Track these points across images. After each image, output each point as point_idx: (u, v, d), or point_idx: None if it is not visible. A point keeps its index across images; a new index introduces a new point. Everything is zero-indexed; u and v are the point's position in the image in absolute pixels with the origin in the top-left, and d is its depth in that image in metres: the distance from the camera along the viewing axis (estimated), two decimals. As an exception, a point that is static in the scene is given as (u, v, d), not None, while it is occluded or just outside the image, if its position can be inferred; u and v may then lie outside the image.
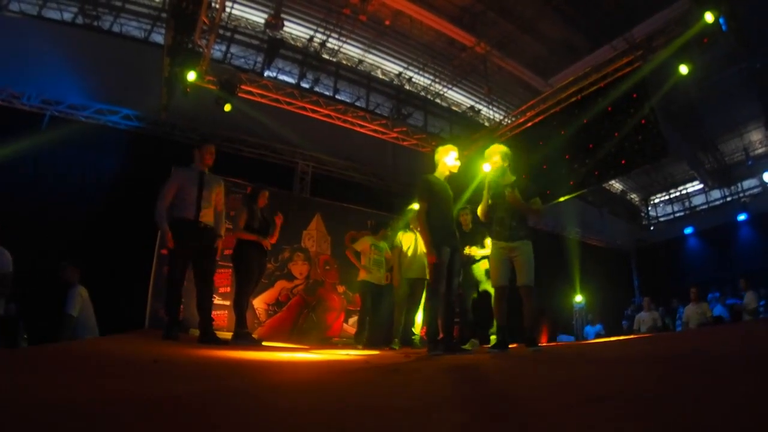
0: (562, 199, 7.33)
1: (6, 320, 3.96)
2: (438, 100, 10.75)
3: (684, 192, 13.78)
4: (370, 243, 5.30)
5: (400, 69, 10.04)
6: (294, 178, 8.34)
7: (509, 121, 8.24)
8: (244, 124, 7.58)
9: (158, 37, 8.20)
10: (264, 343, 4.40)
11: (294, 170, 8.40)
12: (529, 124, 7.69)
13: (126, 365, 2.05)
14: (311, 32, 9.02)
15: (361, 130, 8.12)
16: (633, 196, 14.50)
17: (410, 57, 9.66)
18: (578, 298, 11.39)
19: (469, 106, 10.95)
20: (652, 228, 14.31)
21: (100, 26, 8.14)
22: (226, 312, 6.10)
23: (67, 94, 6.75)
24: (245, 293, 4.32)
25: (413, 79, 10.25)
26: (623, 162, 6.27)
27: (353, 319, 7.15)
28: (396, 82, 10.31)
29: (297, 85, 9.22)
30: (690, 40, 5.64)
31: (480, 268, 4.72)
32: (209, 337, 3.63)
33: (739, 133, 11.28)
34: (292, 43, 9.16)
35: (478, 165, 7.10)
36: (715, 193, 12.88)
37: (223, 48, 9.03)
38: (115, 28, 8.31)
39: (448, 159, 3.52)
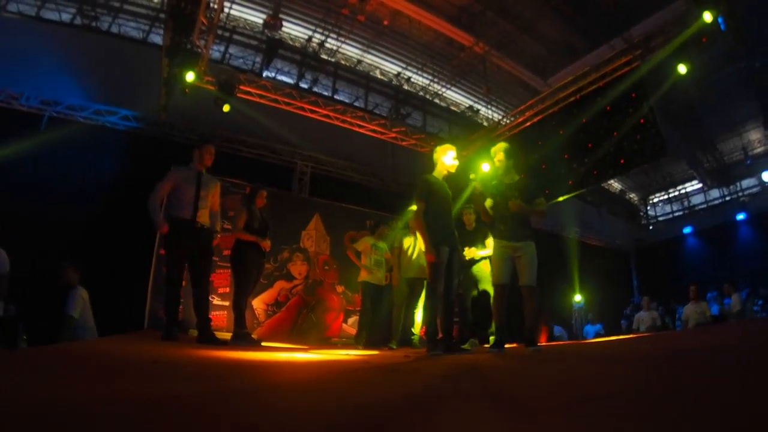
0: (561, 198, 7.33)
1: (6, 321, 3.95)
2: (437, 100, 10.76)
3: (683, 191, 13.80)
4: (370, 243, 5.30)
5: (399, 69, 10.04)
6: (293, 178, 8.35)
7: (508, 121, 8.25)
8: (242, 124, 7.57)
9: (157, 38, 8.20)
10: (263, 344, 4.41)
11: (293, 170, 8.40)
12: (528, 123, 7.70)
13: (126, 365, 2.05)
14: (310, 32, 9.02)
15: (360, 130, 8.13)
16: (632, 195, 14.52)
17: (409, 57, 9.66)
18: (577, 297, 11.41)
19: (467, 106, 10.96)
20: (651, 227, 14.34)
21: (99, 27, 8.12)
22: (225, 312, 6.10)
23: (66, 94, 6.75)
24: (244, 293, 4.33)
25: (412, 79, 10.25)
26: (622, 161, 6.28)
27: (352, 319, 7.16)
28: (395, 82, 10.31)
29: (296, 86, 9.21)
30: (688, 40, 5.65)
31: (480, 268, 4.71)
32: (207, 337, 3.62)
33: (738, 133, 11.29)
34: (291, 43, 9.16)
35: (477, 165, 7.12)
36: (714, 193, 12.90)
37: (222, 48, 9.01)
38: (114, 29, 8.29)
39: (446, 158, 3.52)
